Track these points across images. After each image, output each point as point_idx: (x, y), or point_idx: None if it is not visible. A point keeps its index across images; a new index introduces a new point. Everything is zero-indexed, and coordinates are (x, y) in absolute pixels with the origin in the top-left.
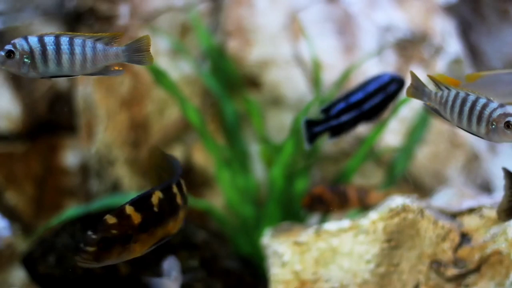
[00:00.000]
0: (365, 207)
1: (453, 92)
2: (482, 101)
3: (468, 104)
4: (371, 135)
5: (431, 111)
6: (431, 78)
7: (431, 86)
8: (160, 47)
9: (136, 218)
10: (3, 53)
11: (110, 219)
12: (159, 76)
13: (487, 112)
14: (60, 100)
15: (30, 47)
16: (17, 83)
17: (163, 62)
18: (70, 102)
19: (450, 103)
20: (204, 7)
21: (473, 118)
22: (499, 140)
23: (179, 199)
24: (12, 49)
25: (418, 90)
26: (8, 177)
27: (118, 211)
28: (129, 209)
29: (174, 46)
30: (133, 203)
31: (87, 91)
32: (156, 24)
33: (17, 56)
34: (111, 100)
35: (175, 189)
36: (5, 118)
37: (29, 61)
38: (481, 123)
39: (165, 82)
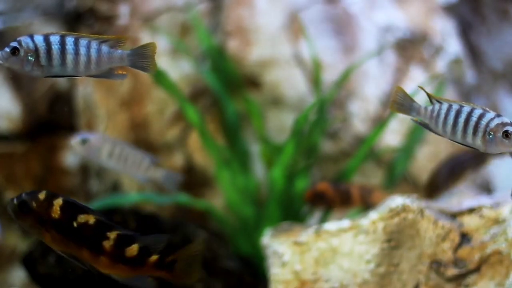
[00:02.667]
0: (367, 206)
1: (445, 105)
2: (477, 111)
3: (463, 116)
4: (371, 135)
5: (420, 125)
6: (426, 93)
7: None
8: (160, 47)
9: (55, 213)
10: (8, 50)
11: (41, 194)
12: (159, 77)
13: (483, 122)
14: (60, 100)
15: (35, 45)
16: (17, 83)
17: (163, 62)
18: (70, 102)
19: (442, 116)
20: (204, 7)
21: (469, 129)
22: (497, 150)
23: (108, 246)
24: (17, 46)
25: (404, 105)
26: (8, 177)
27: (52, 195)
28: (57, 202)
29: (175, 45)
30: (66, 202)
31: (87, 91)
32: (156, 24)
33: (22, 53)
34: (111, 100)
35: (112, 236)
36: (5, 118)
37: (33, 59)
38: (478, 134)
39: (164, 83)
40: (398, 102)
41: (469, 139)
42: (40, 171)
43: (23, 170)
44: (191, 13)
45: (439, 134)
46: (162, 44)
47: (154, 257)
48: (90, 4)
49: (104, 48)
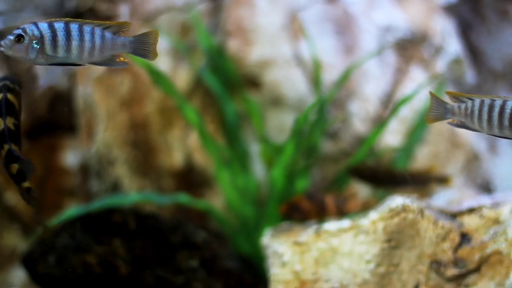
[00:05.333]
0: (343, 215)
1: (477, 101)
2: (510, 103)
3: (496, 109)
4: (371, 135)
5: (456, 127)
6: (449, 93)
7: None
8: (160, 47)
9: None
10: (12, 37)
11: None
12: (157, 77)
13: None
14: (60, 100)
15: (41, 32)
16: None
17: (163, 62)
18: (70, 102)
19: (476, 112)
20: (204, 7)
21: (505, 121)
22: None
23: (1, 155)
24: (22, 33)
25: (439, 110)
26: (8, 177)
27: (2, 88)
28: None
29: (175, 45)
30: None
31: (87, 91)
32: (156, 24)
33: (27, 40)
34: (111, 100)
35: (5, 148)
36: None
37: (39, 46)
38: None
39: (163, 83)
40: (434, 110)
41: (506, 130)
42: (40, 171)
43: None
44: (191, 13)
45: (476, 130)
46: (162, 44)
47: (27, 184)
48: (90, 4)
49: (108, 34)
